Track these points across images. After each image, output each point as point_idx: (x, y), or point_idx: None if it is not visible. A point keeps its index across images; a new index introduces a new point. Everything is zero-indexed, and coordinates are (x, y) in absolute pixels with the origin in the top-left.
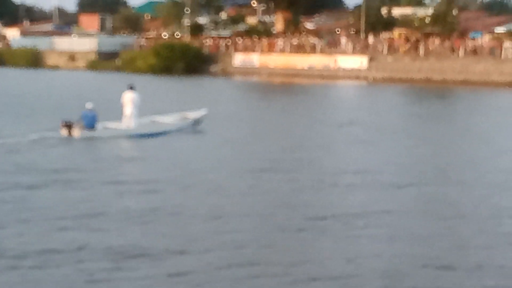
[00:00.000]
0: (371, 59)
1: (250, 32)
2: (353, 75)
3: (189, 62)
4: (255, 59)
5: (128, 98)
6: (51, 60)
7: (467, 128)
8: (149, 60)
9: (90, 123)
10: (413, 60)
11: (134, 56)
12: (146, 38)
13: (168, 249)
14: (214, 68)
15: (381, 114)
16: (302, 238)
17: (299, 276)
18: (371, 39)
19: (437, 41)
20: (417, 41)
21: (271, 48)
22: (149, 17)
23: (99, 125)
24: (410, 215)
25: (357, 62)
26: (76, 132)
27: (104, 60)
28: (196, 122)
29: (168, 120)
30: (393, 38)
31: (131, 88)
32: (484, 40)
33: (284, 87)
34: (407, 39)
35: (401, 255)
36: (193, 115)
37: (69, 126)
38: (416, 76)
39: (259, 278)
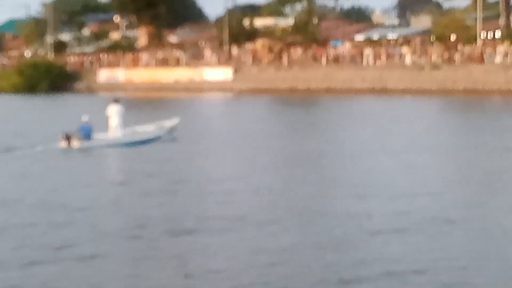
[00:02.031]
0: (236, 71)
1: (114, 47)
2: (219, 87)
3: (53, 80)
4: (120, 74)
5: (113, 111)
6: None
7: (324, 132)
8: (12, 79)
9: (87, 134)
10: (277, 70)
11: None
12: (9, 57)
13: None
14: (79, 85)
15: (243, 124)
16: None
17: None
18: (235, 50)
19: (300, 50)
20: (280, 51)
21: (135, 63)
22: (11, 36)
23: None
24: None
25: (222, 74)
26: (75, 143)
27: None
28: (171, 130)
29: (148, 129)
30: (256, 49)
31: (116, 101)
32: (345, 48)
33: (149, 102)
34: (271, 50)
35: None
36: (168, 124)
37: (68, 137)
38: (281, 86)
39: None
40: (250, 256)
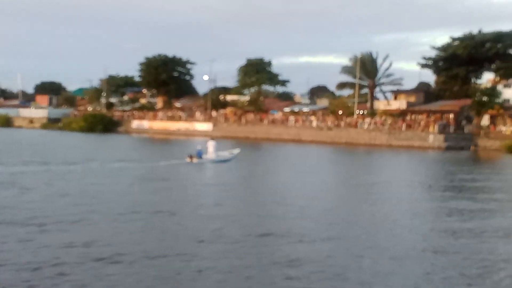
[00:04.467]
0: (214, 125)
1: (142, 108)
2: (203, 134)
3: (105, 125)
4: (145, 124)
5: (210, 144)
6: (17, 122)
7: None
8: (80, 123)
9: (200, 155)
10: (238, 126)
11: (70, 121)
12: (78, 110)
13: None
14: (120, 129)
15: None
16: None
17: None
18: (214, 113)
19: (252, 115)
20: (241, 115)
21: (155, 117)
22: (80, 98)
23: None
24: None
25: (206, 126)
26: (194, 160)
27: (52, 123)
28: (236, 155)
29: (225, 154)
30: (226, 113)
31: (212, 139)
32: (278, 115)
33: (162, 141)
34: (235, 114)
35: None
36: (235, 151)
37: (191, 157)
38: (240, 135)
39: None
40: None
